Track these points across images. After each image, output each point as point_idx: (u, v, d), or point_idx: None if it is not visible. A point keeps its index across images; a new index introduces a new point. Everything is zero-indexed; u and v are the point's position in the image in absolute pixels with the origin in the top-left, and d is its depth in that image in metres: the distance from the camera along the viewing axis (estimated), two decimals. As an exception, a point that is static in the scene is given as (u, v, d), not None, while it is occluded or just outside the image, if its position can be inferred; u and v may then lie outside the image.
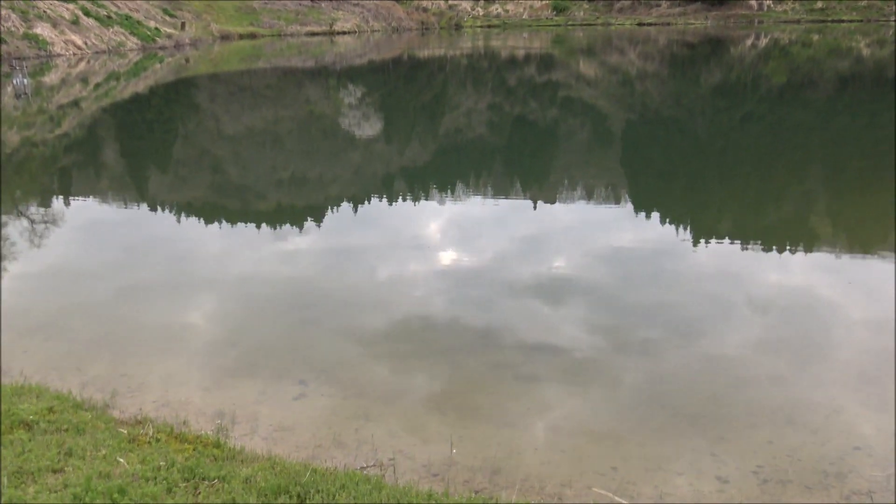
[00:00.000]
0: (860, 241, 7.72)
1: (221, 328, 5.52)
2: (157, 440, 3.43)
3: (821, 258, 7.10)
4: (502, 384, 4.54)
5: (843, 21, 62.76)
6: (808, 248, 7.35)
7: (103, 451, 3.16)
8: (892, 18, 61.77)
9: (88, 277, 6.72)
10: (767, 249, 7.26)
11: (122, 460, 3.07)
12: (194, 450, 3.34)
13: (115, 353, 5.01)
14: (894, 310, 5.45)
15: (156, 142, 14.88)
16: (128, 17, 42.38)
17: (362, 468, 3.42)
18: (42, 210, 9.42)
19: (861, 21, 61.86)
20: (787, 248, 7.29)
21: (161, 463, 3.04)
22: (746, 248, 7.32)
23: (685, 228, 8.05)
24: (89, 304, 6.01)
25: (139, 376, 4.58)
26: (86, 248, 7.84)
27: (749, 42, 40.86)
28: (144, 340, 5.24)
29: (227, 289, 6.39)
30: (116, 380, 4.51)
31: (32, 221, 8.80)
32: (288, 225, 8.54)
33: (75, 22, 36.73)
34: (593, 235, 8.07)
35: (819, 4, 68.47)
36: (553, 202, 9.44)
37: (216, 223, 8.71)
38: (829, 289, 6.32)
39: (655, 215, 8.60)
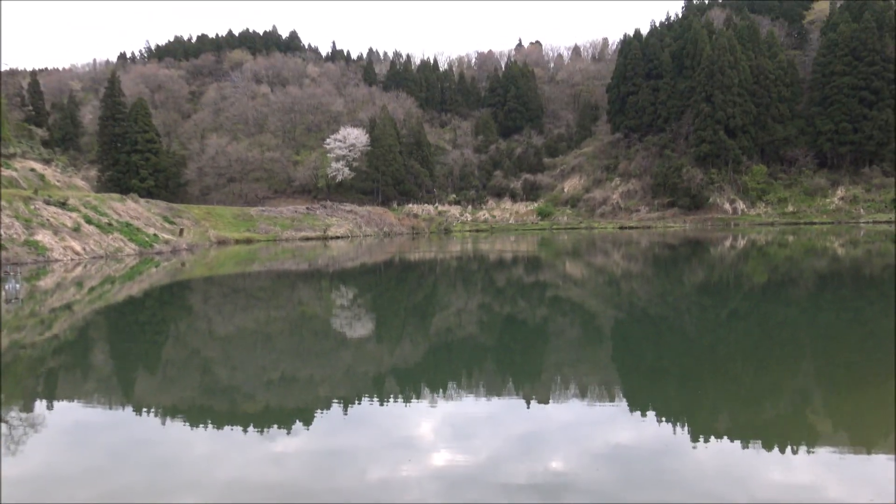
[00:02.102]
0: (861, 438, 7.56)
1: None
2: None
3: (824, 457, 6.92)
4: None
5: (814, 223, 66.03)
6: (810, 447, 7.18)
7: None
8: (861, 220, 65.00)
9: (66, 483, 6.43)
10: (768, 448, 7.09)
11: None
12: None
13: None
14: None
15: (146, 343, 14.86)
16: (128, 225, 44.03)
17: None
18: (23, 414, 9.18)
19: (832, 223, 65.06)
20: (788, 446, 7.11)
21: None
22: (747, 447, 7.14)
23: (682, 426, 7.89)
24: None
25: None
26: (65, 453, 7.55)
27: (727, 243, 42.52)
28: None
29: (211, 495, 6.09)
30: None
31: (11, 426, 8.55)
32: (276, 427, 8.32)
33: (76, 229, 38.07)
34: (589, 433, 7.89)
35: (790, 208, 72.32)
36: (547, 400, 9.31)
37: (202, 426, 8.49)
38: (836, 488, 6.09)
39: (651, 413, 8.46)
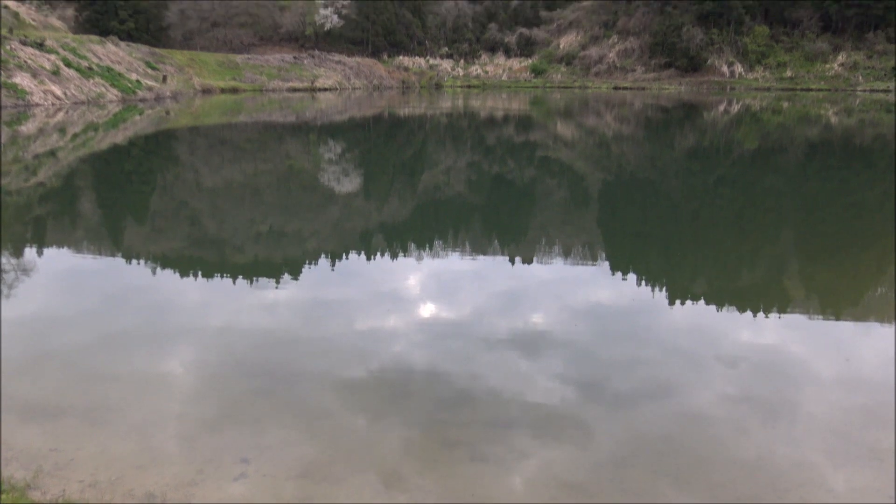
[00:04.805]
0: (832, 304, 7.85)
1: (197, 379, 5.46)
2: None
3: (793, 319, 7.20)
4: (477, 439, 4.51)
5: (811, 90, 64.88)
6: (782, 310, 7.46)
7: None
8: (858, 88, 63.99)
9: (65, 325, 6.64)
10: (741, 310, 7.36)
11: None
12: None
13: (65, 416, 4.92)
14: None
15: (133, 193, 14.85)
16: (109, 70, 42.65)
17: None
18: (14, 260, 9.30)
19: (829, 90, 63.97)
20: (761, 309, 7.39)
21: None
22: (721, 310, 7.42)
23: (660, 288, 8.14)
24: (62, 352, 5.93)
25: (70, 451, 4.42)
26: (61, 298, 7.73)
27: (721, 108, 42.00)
28: (106, 397, 5.16)
29: (206, 339, 6.33)
30: (45, 455, 4.30)
31: (3, 270, 8.68)
32: (265, 278, 8.51)
33: (56, 72, 36.88)
34: (570, 292, 8.14)
35: (788, 73, 70.88)
36: (530, 260, 9.52)
37: (192, 275, 8.66)
38: (801, 347, 6.40)
39: (631, 275, 8.70)
